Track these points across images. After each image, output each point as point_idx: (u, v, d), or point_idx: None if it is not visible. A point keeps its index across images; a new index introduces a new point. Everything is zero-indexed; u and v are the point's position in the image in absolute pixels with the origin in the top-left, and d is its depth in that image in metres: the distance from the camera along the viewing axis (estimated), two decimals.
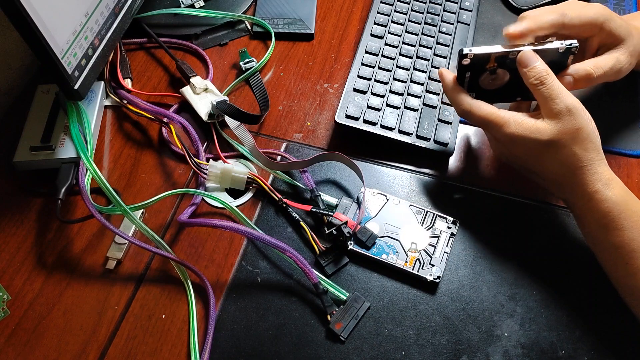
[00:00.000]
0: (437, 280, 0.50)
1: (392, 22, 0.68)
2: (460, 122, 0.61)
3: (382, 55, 0.65)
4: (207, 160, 0.58)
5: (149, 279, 0.52)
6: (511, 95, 0.53)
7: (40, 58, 0.48)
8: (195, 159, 0.56)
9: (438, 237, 0.53)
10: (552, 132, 0.46)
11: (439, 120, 0.60)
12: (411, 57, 0.65)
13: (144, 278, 0.52)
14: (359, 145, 0.60)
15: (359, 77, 0.62)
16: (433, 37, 0.67)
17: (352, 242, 0.52)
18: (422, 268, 0.51)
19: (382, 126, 0.59)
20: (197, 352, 0.47)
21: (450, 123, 0.59)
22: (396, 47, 0.66)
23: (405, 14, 0.69)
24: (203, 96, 0.62)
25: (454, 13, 0.70)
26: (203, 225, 0.53)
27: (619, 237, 0.46)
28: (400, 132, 0.59)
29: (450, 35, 0.68)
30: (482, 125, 0.51)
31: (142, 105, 0.60)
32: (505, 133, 0.48)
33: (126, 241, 0.52)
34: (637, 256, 0.45)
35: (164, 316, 0.49)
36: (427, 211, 0.54)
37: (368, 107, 0.60)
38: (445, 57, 0.65)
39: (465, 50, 0.49)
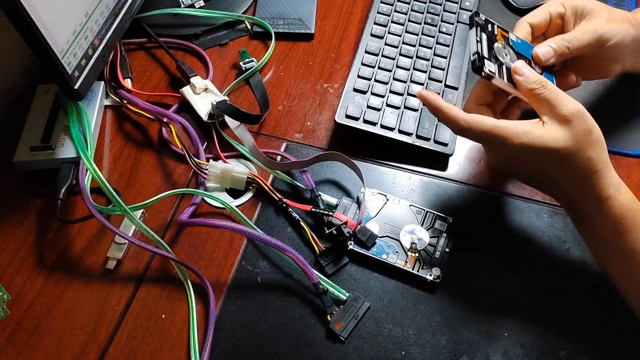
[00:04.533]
0: (437, 280, 0.50)
1: (392, 22, 0.68)
2: None
3: (382, 55, 0.65)
4: (207, 160, 0.58)
5: (149, 279, 0.52)
6: None
7: (40, 58, 0.48)
8: (195, 159, 0.56)
9: (438, 237, 0.53)
10: (567, 138, 0.44)
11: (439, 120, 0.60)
12: (411, 57, 0.65)
13: (144, 278, 0.52)
14: (359, 145, 0.60)
15: (359, 77, 0.62)
16: (433, 37, 0.67)
17: (352, 242, 0.52)
18: (422, 268, 0.51)
19: (382, 126, 0.59)
20: (197, 352, 0.47)
21: None
22: (396, 47, 0.66)
23: (405, 14, 0.69)
24: (203, 96, 0.62)
25: (454, 13, 0.70)
26: (203, 225, 0.53)
27: (634, 243, 0.44)
28: (400, 132, 0.59)
29: (450, 35, 0.68)
30: (483, 141, 0.48)
31: (142, 105, 0.60)
32: (514, 145, 0.45)
33: (126, 241, 0.52)
34: None
35: (164, 316, 0.49)
36: (427, 211, 0.54)
37: (368, 107, 0.60)
38: (445, 57, 0.65)
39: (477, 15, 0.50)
